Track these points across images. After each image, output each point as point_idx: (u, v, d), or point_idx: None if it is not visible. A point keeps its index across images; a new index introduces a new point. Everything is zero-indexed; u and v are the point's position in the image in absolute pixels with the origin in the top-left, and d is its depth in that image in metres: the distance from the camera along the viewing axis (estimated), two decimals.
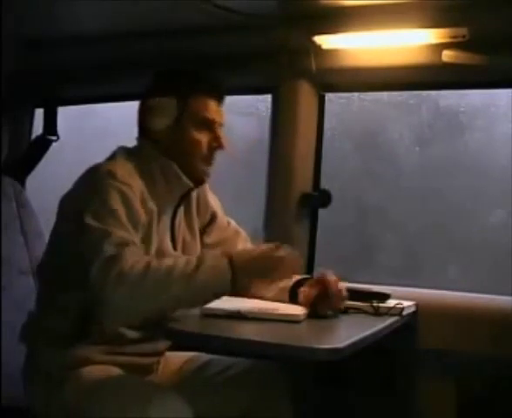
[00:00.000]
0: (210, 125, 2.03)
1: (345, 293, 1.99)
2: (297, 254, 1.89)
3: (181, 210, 2.12)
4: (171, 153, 2.02)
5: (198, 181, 2.07)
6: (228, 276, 1.75)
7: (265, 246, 1.88)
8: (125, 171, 1.94)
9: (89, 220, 1.81)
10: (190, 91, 2.02)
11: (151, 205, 1.97)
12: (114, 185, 1.88)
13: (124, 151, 2.04)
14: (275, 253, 1.82)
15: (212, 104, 2.04)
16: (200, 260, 1.76)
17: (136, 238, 1.84)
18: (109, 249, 1.76)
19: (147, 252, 1.90)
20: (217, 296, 1.78)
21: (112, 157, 2.04)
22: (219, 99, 2.06)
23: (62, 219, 1.99)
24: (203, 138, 2.02)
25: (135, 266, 1.73)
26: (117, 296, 1.71)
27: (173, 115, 2.01)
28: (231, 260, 1.76)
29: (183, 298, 1.75)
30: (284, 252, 1.83)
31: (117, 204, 1.85)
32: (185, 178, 2.03)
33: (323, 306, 1.97)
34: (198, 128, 2.02)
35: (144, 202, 1.94)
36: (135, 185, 1.93)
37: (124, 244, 1.78)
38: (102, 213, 1.83)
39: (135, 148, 2.07)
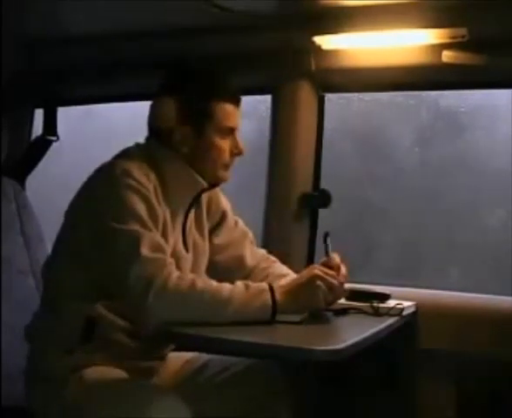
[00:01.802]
0: (231, 132, 2.00)
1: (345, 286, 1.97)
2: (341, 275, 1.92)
3: (192, 212, 2.09)
4: (190, 158, 1.98)
5: (215, 185, 2.07)
6: (269, 313, 1.80)
7: (305, 274, 1.89)
8: (141, 171, 1.91)
9: (112, 224, 1.80)
10: (211, 96, 1.96)
11: (164, 207, 1.96)
12: (131, 184, 1.86)
13: (138, 150, 2.01)
14: (313, 282, 1.85)
15: (233, 110, 1.99)
16: (247, 297, 1.79)
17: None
18: (145, 253, 1.76)
19: None
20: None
21: (127, 154, 1.99)
22: (238, 103, 2.02)
23: (73, 220, 1.96)
24: (225, 145, 1.99)
25: (180, 283, 1.76)
26: (160, 308, 1.74)
27: (192, 119, 1.95)
28: (273, 294, 1.81)
29: (220, 322, 1.77)
30: (320, 278, 1.85)
31: (137, 204, 1.83)
32: (198, 179, 1.99)
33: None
34: (222, 136, 1.98)
35: (159, 203, 1.92)
36: (151, 186, 1.91)
37: (158, 248, 1.79)
38: (125, 215, 1.81)
39: (146, 148, 2.02)
